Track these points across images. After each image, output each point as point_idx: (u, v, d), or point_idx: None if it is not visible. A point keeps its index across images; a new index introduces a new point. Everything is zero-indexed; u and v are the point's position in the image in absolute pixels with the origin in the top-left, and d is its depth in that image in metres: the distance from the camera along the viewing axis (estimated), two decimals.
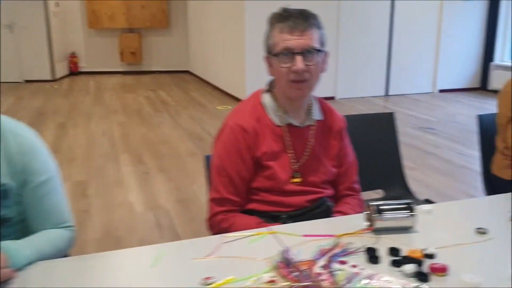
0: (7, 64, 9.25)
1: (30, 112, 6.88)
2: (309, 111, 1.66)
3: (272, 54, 1.55)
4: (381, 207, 1.36)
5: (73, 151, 5.03)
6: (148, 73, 10.68)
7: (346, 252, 1.24)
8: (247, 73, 7.02)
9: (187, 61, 10.72)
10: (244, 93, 7.22)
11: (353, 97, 7.71)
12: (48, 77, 9.56)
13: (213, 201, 1.61)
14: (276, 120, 1.60)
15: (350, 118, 2.59)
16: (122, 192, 3.88)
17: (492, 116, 2.40)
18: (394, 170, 2.44)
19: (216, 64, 8.38)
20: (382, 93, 7.94)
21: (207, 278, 1.13)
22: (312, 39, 1.53)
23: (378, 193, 2.45)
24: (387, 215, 1.35)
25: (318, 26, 1.56)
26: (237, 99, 7.42)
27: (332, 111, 1.73)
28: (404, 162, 4.48)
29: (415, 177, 4.13)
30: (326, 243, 1.30)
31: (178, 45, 10.70)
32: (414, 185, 3.92)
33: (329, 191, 1.69)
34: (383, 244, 1.29)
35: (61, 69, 10.00)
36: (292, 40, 1.50)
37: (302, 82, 1.54)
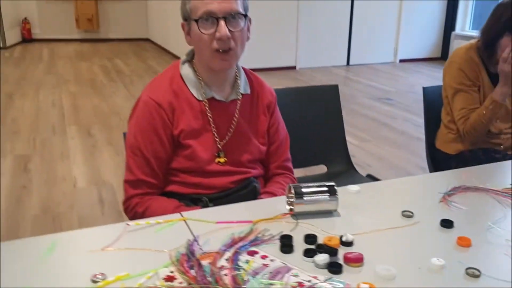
0: None
1: None
2: (234, 84, 1.53)
3: (192, 19, 1.41)
4: (301, 190, 1.26)
5: (18, 123, 4.79)
6: (106, 40, 10.29)
7: (258, 241, 1.14)
8: None
9: (146, 29, 10.37)
10: None
11: (314, 66, 7.60)
12: None
13: (128, 183, 1.48)
14: (197, 94, 1.47)
15: (292, 91, 2.50)
16: (66, 167, 3.71)
17: (438, 88, 2.33)
18: (337, 145, 2.35)
19: (176, 33, 8.10)
20: (344, 62, 7.85)
21: (98, 274, 1.01)
22: (236, 2, 1.39)
23: (321, 168, 2.36)
24: (307, 198, 1.25)
25: None
26: None
27: (261, 84, 1.61)
28: (358, 133, 4.46)
29: (368, 149, 4.08)
30: (240, 230, 1.19)
31: (137, 12, 10.31)
32: (366, 157, 3.90)
33: (256, 171, 1.58)
34: (301, 231, 1.19)
35: (13, 36, 9.52)
36: (215, 3, 1.36)
37: (227, 51, 1.40)
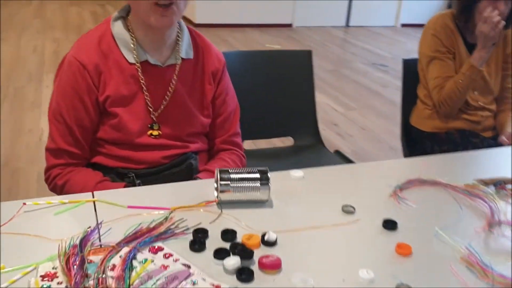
0: None
1: None
2: (175, 47, 1.35)
3: None
4: (228, 175, 1.10)
5: None
6: None
7: (168, 234, 0.99)
8: None
9: None
10: (194, 17, 6.75)
11: (312, 25, 7.31)
12: None
13: (49, 151, 1.32)
14: (129, 57, 1.29)
15: (262, 55, 2.30)
16: (35, 117, 3.54)
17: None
18: (307, 116, 2.18)
19: None
20: (343, 23, 7.56)
21: None
22: None
23: (289, 140, 2.20)
24: (235, 185, 1.10)
25: None
26: (189, 21, 6.94)
27: (208, 48, 1.42)
28: (345, 100, 4.27)
29: (353, 117, 3.91)
30: (153, 218, 1.04)
31: None
32: (348, 126, 3.72)
33: (197, 145, 1.42)
34: (222, 224, 1.04)
35: None
36: None
37: (168, 6, 1.21)
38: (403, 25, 7.74)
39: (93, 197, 1.12)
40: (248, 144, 2.11)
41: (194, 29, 1.42)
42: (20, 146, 3.11)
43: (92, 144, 1.34)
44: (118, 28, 1.30)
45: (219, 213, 1.08)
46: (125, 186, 1.29)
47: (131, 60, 1.29)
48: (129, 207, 1.08)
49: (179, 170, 1.36)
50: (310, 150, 2.15)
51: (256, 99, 2.11)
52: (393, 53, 6.06)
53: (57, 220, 1.03)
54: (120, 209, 1.08)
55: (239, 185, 1.10)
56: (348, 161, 2.04)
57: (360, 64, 5.49)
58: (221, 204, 1.11)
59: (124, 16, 1.32)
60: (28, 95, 3.98)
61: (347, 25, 7.56)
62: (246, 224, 1.04)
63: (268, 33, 6.65)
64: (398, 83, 4.82)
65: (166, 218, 1.05)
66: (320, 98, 4.24)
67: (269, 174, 1.11)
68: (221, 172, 1.10)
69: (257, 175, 1.11)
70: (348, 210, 1.12)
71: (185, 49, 1.36)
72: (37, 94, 3.99)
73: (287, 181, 1.24)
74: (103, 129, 1.31)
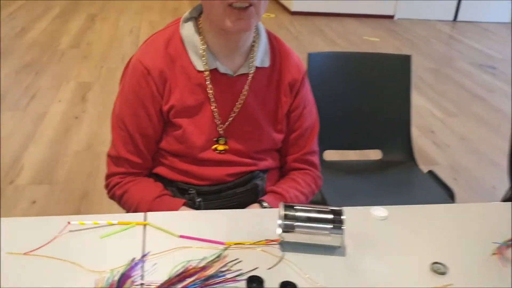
0: None
1: None
2: (249, 54, 1.19)
3: None
4: (293, 213, 0.94)
5: (92, 48, 4.74)
6: None
7: (218, 279, 0.86)
8: None
9: None
10: (291, 4, 6.57)
11: (415, 18, 6.86)
12: None
13: (110, 158, 1.23)
14: (197, 63, 1.16)
15: (355, 57, 2.08)
16: None
17: None
18: (400, 129, 1.95)
19: None
20: (450, 17, 7.02)
21: None
22: None
23: (376, 154, 1.99)
24: (301, 225, 0.93)
25: None
26: (286, 9, 6.78)
27: (288, 55, 1.25)
28: (444, 104, 3.91)
29: (451, 125, 3.57)
30: (204, 256, 0.91)
31: None
32: (446, 135, 3.39)
33: (265, 163, 1.26)
34: (283, 272, 0.89)
35: None
36: None
37: (246, 8, 1.05)
38: None
39: (145, 219, 1.01)
40: (331, 155, 1.92)
41: (274, 33, 1.26)
42: (105, 129, 3.14)
43: (155, 154, 1.23)
44: (187, 30, 1.17)
45: (280, 257, 0.92)
46: (184, 204, 1.17)
47: (200, 67, 1.15)
48: (181, 236, 0.96)
49: (243, 190, 1.22)
50: (400, 167, 1.92)
51: (343, 106, 1.92)
52: (504, 54, 5.50)
53: (102, 245, 0.93)
54: (171, 238, 0.96)
55: (306, 225, 0.93)
56: (442, 185, 1.80)
57: (465, 64, 5.03)
58: (284, 245, 0.95)
59: (196, 17, 1.19)
60: (119, 77, 4.03)
61: (455, 20, 7.01)
62: (310, 278, 0.88)
63: (367, 25, 6.32)
64: (507, 89, 4.38)
65: (218, 256, 0.91)
66: (417, 100, 3.93)
67: (343, 216, 0.94)
68: (286, 207, 0.94)
69: (330, 216, 0.94)
70: (438, 270, 0.92)
71: (261, 57, 1.20)
72: None
73: (366, 221, 1.06)
74: (166, 140, 1.20)
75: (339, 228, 0.93)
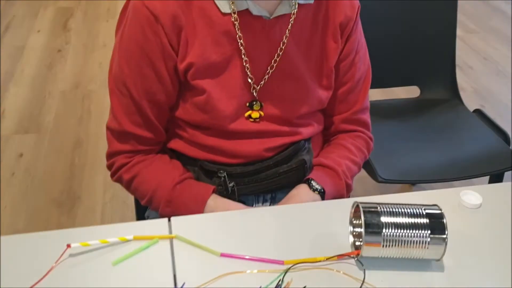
0: None
1: None
2: None
3: None
4: (377, 218, 0.69)
5: None
6: None
7: None
8: None
9: None
10: None
11: None
12: None
13: (111, 132, 0.95)
14: (222, 3, 0.85)
15: None
16: (110, 28, 3.19)
17: None
18: (440, 62, 1.66)
19: None
20: None
21: None
22: None
23: (412, 91, 1.72)
24: (389, 233, 0.68)
25: None
26: None
27: None
28: (463, 20, 3.57)
29: (473, 43, 3.26)
30: (258, 285, 0.67)
31: None
32: (467, 55, 3.09)
33: (310, 129, 0.99)
34: None
35: None
36: None
37: None
38: None
39: (170, 229, 0.75)
40: None
41: None
42: (92, 63, 2.80)
43: (169, 124, 0.95)
44: None
45: (361, 280, 0.68)
46: (214, 191, 0.91)
47: (226, 9, 0.85)
48: (223, 255, 0.71)
49: (287, 169, 0.95)
50: (441, 106, 1.66)
51: (385, 39, 1.61)
52: None
53: (116, 274, 0.68)
54: (209, 257, 0.71)
55: (395, 234, 0.68)
56: (494, 126, 1.55)
57: None
58: (363, 260, 0.71)
59: None
60: (103, 1, 3.62)
61: None
62: None
63: None
64: None
65: (279, 282, 0.67)
66: None
67: (444, 220, 0.69)
68: (365, 211, 0.69)
69: (426, 221, 0.69)
70: None
71: None
72: (112, 1, 3.62)
73: (458, 213, 0.81)
74: (183, 108, 0.91)
75: (440, 236, 0.68)
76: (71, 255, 0.70)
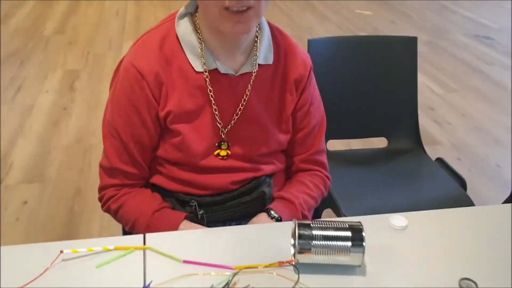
0: None
1: None
2: (251, 50, 1.09)
3: None
4: (308, 231, 0.85)
5: (77, 32, 4.57)
6: None
7: None
8: None
9: None
10: None
11: None
12: None
13: (103, 169, 1.14)
14: (196, 64, 1.06)
15: (357, 41, 1.98)
16: None
17: None
18: (406, 115, 1.86)
19: None
20: None
21: None
22: None
23: (382, 142, 1.90)
24: (317, 244, 0.85)
25: None
26: None
27: (293, 49, 1.15)
28: (443, 79, 3.82)
29: (452, 101, 3.49)
30: (210, 284, 0.83)
31: None
32: (446, 111, 3.30)
33: (273, 167, 1.18)
34: None
35: None
36: None
37: (245, 11, 0.95)
38: None
39: (144, 242, 0.92)
40: (335, 144, 1.84)
41: (278, 27, 1.16)
42: (95, 120, 3.03)
43: (152, 162, 1.14)
44: (184, 28, 1.06)
45: (295, 281, 0.84)
46: (186, 218, 1.08)
47: (199, 68, 1.05)
48: (185, 261, 0.87)
49: (249, 199, 1.13)
50: (407, 155, 1.84)
51: (347, 93, 1.82)
52: (500, 23, 5.39)
53: (99, 275, 0.84)
54: (174, 264, 0.87)
55: (323, 244, 0.85)
56: (453, 173, 1.72)
57: (460, 35, 4.92)
58: (299, 266, 0.87)
59: (192, 12, 1.08)
60: (107, 63, 3.91)
61: None
62: None
63: None
64: (505, 61, 4.28)
65: (228, 284, 0.83)
66: None
67: (363, 233, 0.85)
68: (300, 226, 0.86)
69: (348, 233, 0.86)
70: (467, 286, 0.84)
71: (264, 54, 1.10)
72: (116, 64, 3.90)
73: (385, 232, 0.98)
74: (163, 148, 1.10)
75: (359, 246, 0.85)
76: (63, 260, 0.86)
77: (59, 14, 5.05)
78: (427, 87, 3.69)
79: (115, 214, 1.13)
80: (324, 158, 1.26)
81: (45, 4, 5.36)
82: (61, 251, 0.87)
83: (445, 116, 3.26)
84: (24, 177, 2.45)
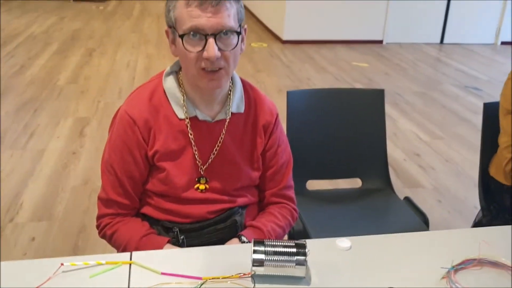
0: None
1: (65, 35, 6.78)
2: (226, 101, 1.33)
3: (177, 32, 1.21)
4: (262, 248, 1.05)
5: (89, 82, 4.89)
6: None
7: None
8: (288, 9, 6.52)
9: None
10: (282, 33, 6.77)
11: (404, 42, 7.05)
12: None
13: (100, 200, 1.35)
14: (179, 112, 1.29)
15: (332, 93, 2.22)
16: None
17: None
18: (377, 158, 2.07)
19: (274, 11, 7.24)
20: (437, 40, 7.20)
21: None
22: (229, 16, 1.17)
23: (356, 182, 2.11)
24: (269, 258, 1.04)
25: None
26: (277, 38, 6.97)
27: (262, 100, 1.39)
28: (431, 127, 4.04)
29: (436, 147, 3.69)
30: None
31: None
32: (431, 157, 3.51)
33: (245, 199, 1.38)
34: None
35: None
36: (203, 18, 1.15)
37: (217, 71, 1.20)
38: (504, 43, 7.21)
39: (130, 258, 1.12)
40: (313, 184, 2.04)
41: (249, 82, 1.40)
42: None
43: (142, 195, 1.35)
44: (169, 83, 1.30)
45: None
46: (169, 241, 1.28)
47: (181, 116, 1.28)
48: (163, 273, 1.07)
49: (223, 226, 1.33)
50: (379, 194, 2.04)
51: (324, 138, 2.04)
52: (489, 75, 5.66)
53: (93, 283, 1.04)
54: (154, 275, 1.07)
55: (274, 258, 1.04)
56: (418, 211, 1.91)
57: (450, 86, 5.18)
58: (255, 277, 1.06)
59: (177, 71, 1.32)
60: (116, 111, 4.17)
61: (442, 42, 7.19)
62: None
63: (356, 50, 6.50)
64: None
65: None
66: (405, 125, 4.06)
67: (307, 249, 1.05)
68: (255, 243, 1.06)
69: (294, 250, 1.05)
70: None
71: (236, 104, 1.33)
72: None
73: (332, 252, 1.17)
74: (151, 182, 1.32)
75: (303, 260, 1.04)
76: (63, 271, 1.06)
77: (72, 65, 5.40)
78: (415, 134, 3.90)
79: (109, 239, 1.33)
80: (291, 193, 1.46)
81: (60, 56, 5.73)
82: (62, 264, 1.07)
83: (429, 162, 3.45)
84: (33, 216, 2.67)
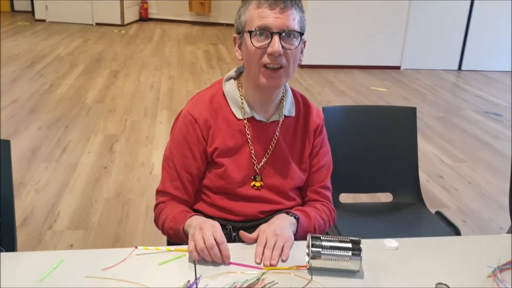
0: (81, 6, 9.47)
1: (90, 57, 6.97)
2: (279, 105, 1.44)
3: (245, 31, 1.34)
4: (319, 243, 1.13)
5: (116, 102, 5.03)
6: (214, 24, 10.51)
7: None
8: (305, 34, 6.66)
9: None
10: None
11: (422, 68, 7.15)
12: (118, 22, 9.66)
13: (157, 192, 1.47)
14: (237, 113, 1.40)
15: (366, 110, 2.31)
16: (148, 152, 3.81)
17: None
18: (408, 174, 2.14)
19: None
20: (455, 67, 7.30)
21: None
22: (293, 20, 1.31)
23: (388, 196, 2.18)
24: (326, 252, 1.12)
25: (301, 8, 1.35)
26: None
27: (309, 106, 1.51)
28: (453, 151, 4.11)
29: (460, 170, 3.74)
30: (246, 278, 1.10)
31: None
32: (454, 180, 3.57)
33: (294, 203, 1.47)
34: None
35: (131, 15, 10.06)
36: (271, 18, 1.29)
37: (277, 69, 1.32)
38: None
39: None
40: (345, 198, 2.12)
41: (298, 91, 1.50)
42: (132, 178, 3.36)
43: (197, 192, 1.45)
44: (229, 86, 1.42)
45: (309, 280, 1.11)
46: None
47: (239, 116, 1.39)
48: (230, 263, 1.15)
49: None
50: (410, 208, 2.10)
51: (357, 153, 2.12)
52: (508, 101, 5.73)
53: (162, 269, 1.12)
54: (218, 264, 1.15)
55: (330, 253, 1.12)
56: (450, 224, 1.97)
57: (470, 111, 5.25)
58: (312, 270, 1.13)
59: (235, 77, 1.44)
60: (142, 130, 4.30)
61: (460, 69, 7.29)
62: None
63: (374, 76, 6.61)
64: None
65: (258, 279, 1.10)
66: (426, 147, 4.13)
67: (361, 245, 1.13)
68: (313, 238, 1.14)
69: (349, 245, 1.13)
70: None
71: (288, 108, 1.44)
72: (151, 130, 4.30)
73: (380, 251, 1.24)
74: (208, 177, 1.42)
75: (358, 255, 1.12)
76: (137, 255, 1.15)
77: (99, 86, 5.56)
78: (437, 157, 3.97)
79: (161, 223, 1.41)
80: (329, 195, 1.54)
81: (86, 77, 5.90)
82: (136, 247, 1.16)
83: (453, 184, 3.51)
84: (70, 224, 2.76)
